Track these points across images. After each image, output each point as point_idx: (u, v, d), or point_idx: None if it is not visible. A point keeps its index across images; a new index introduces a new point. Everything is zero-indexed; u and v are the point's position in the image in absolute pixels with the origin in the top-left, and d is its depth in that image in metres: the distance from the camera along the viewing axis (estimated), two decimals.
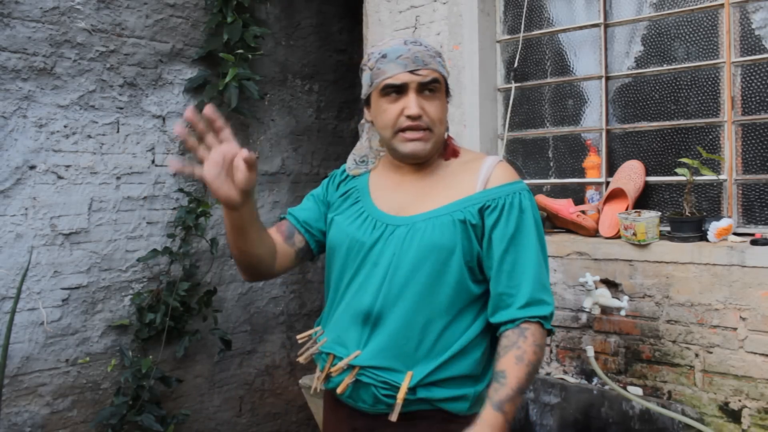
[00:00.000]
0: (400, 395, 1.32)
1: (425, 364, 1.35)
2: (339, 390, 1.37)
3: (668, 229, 2.25)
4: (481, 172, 1.43)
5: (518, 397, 1.30)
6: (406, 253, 1.36)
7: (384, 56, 1.39)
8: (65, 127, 2.82)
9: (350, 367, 1.37)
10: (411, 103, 1.37)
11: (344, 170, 1.59)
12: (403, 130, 1.40)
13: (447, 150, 1.49)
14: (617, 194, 2.41)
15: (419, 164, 1.47)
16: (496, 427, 1.25)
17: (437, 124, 1.42)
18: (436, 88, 1.41)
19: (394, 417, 1.33)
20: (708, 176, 2.23)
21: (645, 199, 2.44)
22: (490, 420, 1.26)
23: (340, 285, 1.45)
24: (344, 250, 1.44)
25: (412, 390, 1.34)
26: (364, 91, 1.46)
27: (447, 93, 1.47)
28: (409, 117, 1.38)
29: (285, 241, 1.53)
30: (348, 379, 1.37)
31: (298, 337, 1.56)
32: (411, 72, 1.37)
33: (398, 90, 1.39)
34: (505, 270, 1.37)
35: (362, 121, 1.56)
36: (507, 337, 1.35)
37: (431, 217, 1.39)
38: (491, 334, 1.43)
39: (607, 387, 2.26)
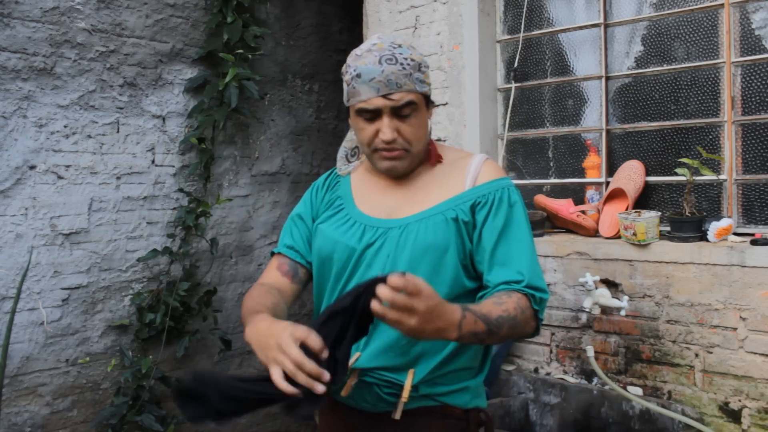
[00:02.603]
0: (405, 394, 1.32)
1: (426, 362, 1.36)
2: (343, 393, 1.37)
3: (668, 229, 2.25)
4: (469, 170, 1.43)
5: (480, 322, 1.19)
6: (400, 255, 1.36)
7: (358, 76, 1.35)
8: (65, 127, 2.82)
9: (352, 370, 1.37)
10: (385, 129, 1.36)
11: (326, 180, 1.57)
12: (379, 149, 1.39)
13: (431, 158, 1.47)
14: (617, 194, 2.41)
15: None
16: (448, 312, 1.15)
17: (413, 143, 1.40)
18: (411, 109, 1.37)
19: (397, 415, 1.33)
20: (708, 176, 2.23)
21: (645, 199, 2.44)
22: (449, 308, 1.16)
23: (334, 290, 1.45)
24: (334, 258, 1.44)
25: (415, 388, 1.34)
26: (345, 101, 1.44)
27: (429, 104, 1.44)
28: (383, 141, 1.37)
29: (291, 281, 1.52)
30: (351, 382, 1.36)
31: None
32: (384, 96, 1.34)
33: (372, 113, 1.37)
34: (498, 262, 1.35)
35: None
36: (492, 295, 1.31)
37: (423, 217, 1.39)
38: None
39: (607, 387, 2.26)
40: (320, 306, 1.50)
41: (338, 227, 1.46)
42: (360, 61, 1.37)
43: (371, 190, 1.49)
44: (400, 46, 1.39)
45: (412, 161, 1.43)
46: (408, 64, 1.36)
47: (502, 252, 1.36)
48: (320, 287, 1.50)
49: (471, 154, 1.50)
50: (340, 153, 1.59)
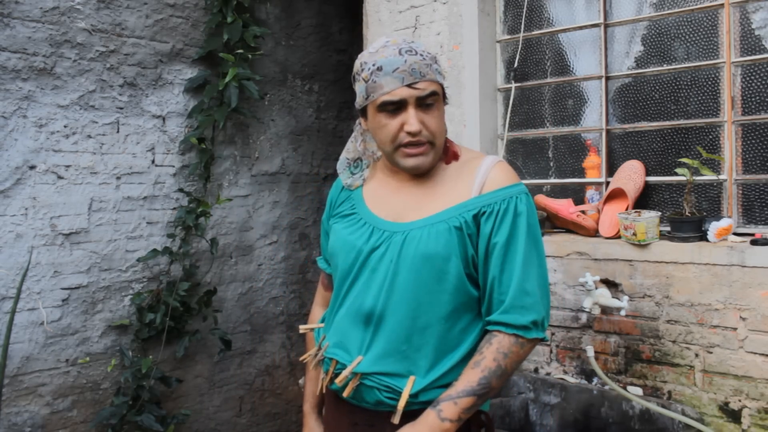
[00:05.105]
0: (401, 404, 1.33)
1: (429, 371, 1.36)
2: (345, 394, 1.39)
3: (668, 229, 2.25)
4: (477, 175, 1.40)
5: (463, 400, 1.29)
6: (403, 261, 1.36)
7: (379, 69, 1.34)
8: (65, 127, 2.82)
9: (353, 373, 1.38)
10: (411, 120, 1.34)
11: (340, 183, 1.59)
12: (404, 145, 1.37)
13: (448, 154, 1.46)
14: (617, 194, 2.41)
15: None
16: (428, 425, 1.29)
17: (437, 136, 1.39)
18: (434, 99, 1.38)
19: (396, 420, 1.33)
20: (708, 176, 2.23)
21: (645, 199, 2.44)
22: (424, 417, 1.30)
23: (341, 290, 1.46)
24: (343, 257, 1.45)
25: (414, 395, 1.34)
26: (359, 101, 1.42)
27: (444, 98, 1.44)
28: (409, 133, 1.35)
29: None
30: (352, 384, 1.38)
31: (300, 327, 1.62)
32: (409, 86, 1.33)
33: (396, 105, 1.35)
34: (496, 277, 1.36)
35: (358, 121, 1.53)
36: (475, 353, 1.37)
37: (427, 224, 1.37)
38: None
39: (607, 387, 2.26)
40: (331, 306, 1.52)
41: (348, 227, 1.47)
42: (378, 55, 1.36)
43: (383, 190, 1.49)
44: (413, 41, 1.40)
45: (435, 156, 1.41)
46: (427, 55, 1.38)
47: (500, 268, 1.35)
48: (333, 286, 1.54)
49: (483, 155, 1.47)
50: (341, 164, 1.57)
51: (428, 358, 1.36)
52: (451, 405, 1.29)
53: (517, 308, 1.34)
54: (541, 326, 1.36)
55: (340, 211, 1.53)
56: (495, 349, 1.32)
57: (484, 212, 1.36)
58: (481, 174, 1.40)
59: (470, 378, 1.31)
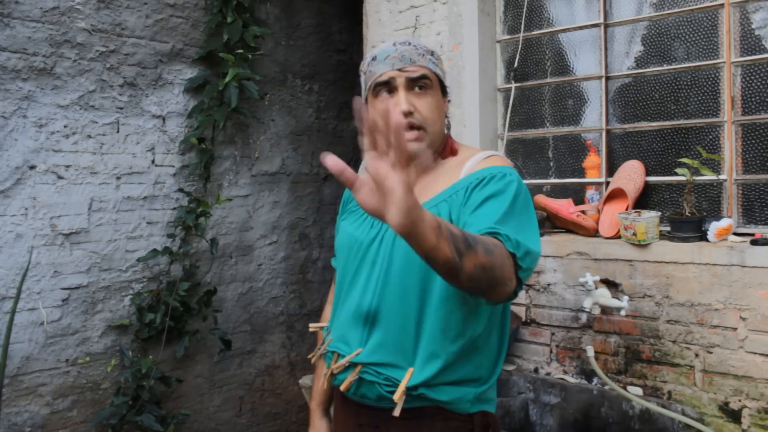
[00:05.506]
0: (397, 395, 1.32)
1: (428, 363, 1.35)
2: (342, 387, 1.39)
3: (668, 229, 2.25)
4: (469, 161, 1.41)
5: (453, 228, 1.04)
6: (397, 251, 1.37)
7: (374, 58, 1.43)
8: (65, 127, 2.82)
9: (353, 364, 1.38)
10: (400, 99, 1.38)
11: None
12: None
13: (445, 149, 1.48)
14: (617, 194, 2.41)
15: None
16: (425, 212, 0.98)
17: (430, 123, 1.40)
18: (426, 84, 1.41)
19: (396, 412, 1.33)
20: (708, 176, 2.23)
21: (645, 199, 2.44)
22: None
23: (343, 284, 1.48)
24: (345, 251, 1.47)
25: (414, 388, 1.34)
26: (363, 95, 1.48)
27: (444, 92, 1.47)
28: (400, 112, 1.37)
29: None
30: (351, 377, 1.38)
31: (310, 326, 1.64)
32: (398, 69, 1.40)
33: (388, 88, 1.40)
34: (485, 214, 1.23)
35: None
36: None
37: None
38: (499, 338, 1.42)
39: (607, 387, 2.26)
40: (335, 302, 1.53)
41: (353, 222, 1.50)
42: (376, 49, 1.46)
43: None
44: (413, 39, 1.50)
45: (430, 144, 1.41)
46: (421, 47, 1.45)
47: (491, 209, 1.23)
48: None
49: (479, 150, 1.49)
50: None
51: (426, 348, 1.35)
52: (444, 222, 1.04)
53: (510, 238, 1.17)
54: (530, 268, 1.23)
55: (349, 208, 1.57)
56: (500, 245, 1.14)
57: (473, 184, 1.32)
58: (474, 160, 1.41)
59: (472, 235, 1.08)
